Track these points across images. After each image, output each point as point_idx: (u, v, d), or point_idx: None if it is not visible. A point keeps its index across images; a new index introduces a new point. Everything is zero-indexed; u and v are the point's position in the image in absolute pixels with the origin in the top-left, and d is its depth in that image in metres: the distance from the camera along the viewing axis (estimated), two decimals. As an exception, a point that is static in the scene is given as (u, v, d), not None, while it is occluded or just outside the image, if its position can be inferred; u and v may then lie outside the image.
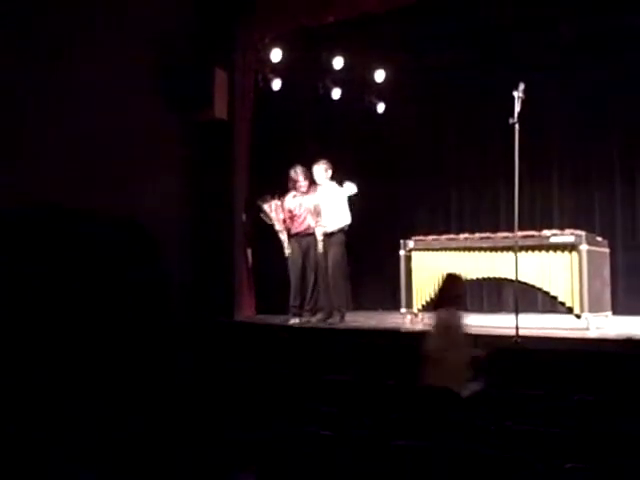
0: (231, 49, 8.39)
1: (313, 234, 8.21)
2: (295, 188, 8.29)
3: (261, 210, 8.35)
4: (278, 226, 8.30)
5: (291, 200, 8.32)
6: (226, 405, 4.67)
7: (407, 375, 5.37)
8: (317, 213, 8.16)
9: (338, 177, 8.25)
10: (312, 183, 8.29)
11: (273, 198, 8.30)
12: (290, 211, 8.32)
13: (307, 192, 8.29)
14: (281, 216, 8.29)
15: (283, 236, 8.29)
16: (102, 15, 7.08)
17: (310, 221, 8.24)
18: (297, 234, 8.31)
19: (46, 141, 6.44)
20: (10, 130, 6.14)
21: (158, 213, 7.44)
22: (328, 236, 8.07)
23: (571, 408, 4.36)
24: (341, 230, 8.09)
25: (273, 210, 8.27)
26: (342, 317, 8.03)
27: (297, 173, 8.28)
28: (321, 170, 8.19)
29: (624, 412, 4.26)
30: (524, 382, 5.07)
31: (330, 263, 8.06)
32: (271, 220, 8.30)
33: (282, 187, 8.84)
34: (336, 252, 8.06)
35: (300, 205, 8.29)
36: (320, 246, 8.08)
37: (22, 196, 4.89)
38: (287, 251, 8.28)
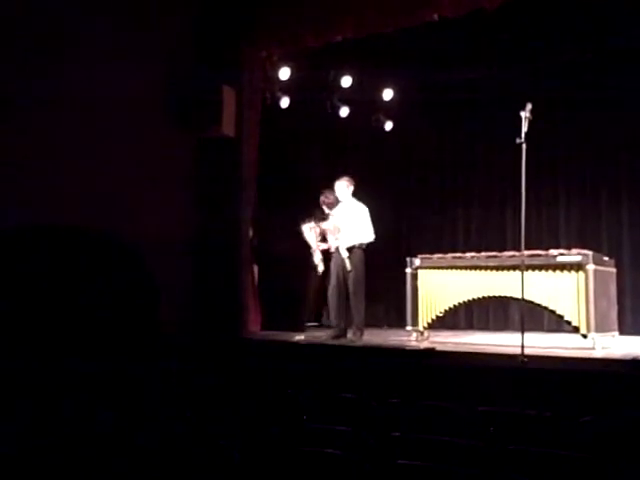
0: (239, 67, 8.45)
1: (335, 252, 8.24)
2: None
3: (300, 232, 8.38)
4: (313, 246, 8.26)
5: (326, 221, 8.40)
6: (232, 420, 4.66)
7: (412, 393, 5.35)
8: (337, 230, 8.13)
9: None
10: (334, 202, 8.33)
11: (310, 220, 8.31)
12: (322, 232, 8.39)
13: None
14: (314, 237, 8.28)
15: (316, 256, 8.24)
16: (113, 32, 7.15)
17: (331, 240, 8.24)
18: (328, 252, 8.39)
19: (55, 156, 6.48)
20: (15, 144, 6.18)
21: (165, 228, 7.48)
22: (351, 253, 8.03)
23: (577, 429, 4.33)
24: (360, 247, 8.06)
25: (308, 231, 8.27)
26: (362, 335, 8.00)
27: (322, 196, 8.40)
28: (343, 186, 8.22)
29: (628, 433, 4.23)
30: (529, 402, 5.05)
31: (351, 281, 8.03)
32: (307, 240, 8.31)
33: (288, 203, 8.86)
34: (357, 270, 8.03)
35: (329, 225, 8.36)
36: (347, 263, 8.00)
37: (28, 212, 4.92)
38: (319, 268, 8.23)
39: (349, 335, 8.02)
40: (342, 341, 7.87)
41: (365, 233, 8.08)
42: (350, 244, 8.01)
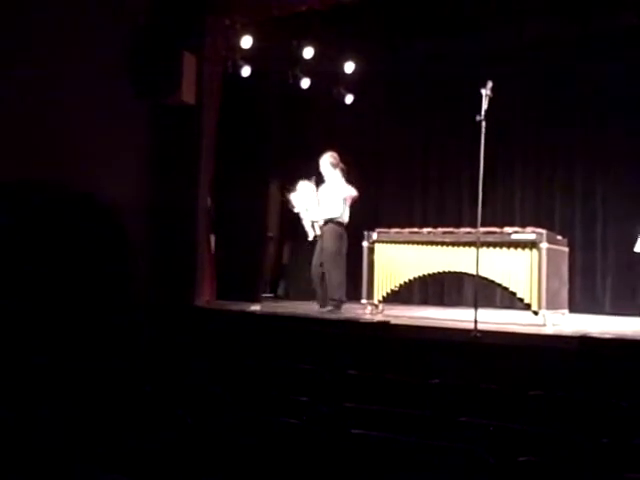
0: (201, 34, 8.34)
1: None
2: None
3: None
4: (301, 209, 8.29)
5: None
6: (187, 391, 4.66)
7: (366, 365, 5.41)
8: (317, 203, 8.18)
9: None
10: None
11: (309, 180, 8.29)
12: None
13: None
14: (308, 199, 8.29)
15: (306, 222, 8.27)
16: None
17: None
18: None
19: (9, 113, 6.36)
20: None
21: (121, 195, 7.40)
22: (324, 227, 8.10)
23: (525, 403, 4.43)
24: (333, 221, 8.10)
25: (304, 191, 8.29)
26: (337, 307, 8.04)
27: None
28: (326, 161, 8.23)
29: (576, 408, 4.34)
30: (481, 376, 5.14)
31: (326, 257, 8.08)
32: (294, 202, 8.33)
33: (248, 172, 8.80)
34: (330, 243, 8.08)
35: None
36: (310, 235, 8.14)
37: None
38: (310, 235, 8.24)
39: (326, 307, 8.09)
40: (302, 313, 7.94)
41: (337, 208, 8.13)
42: (324, 218, 8.09)
